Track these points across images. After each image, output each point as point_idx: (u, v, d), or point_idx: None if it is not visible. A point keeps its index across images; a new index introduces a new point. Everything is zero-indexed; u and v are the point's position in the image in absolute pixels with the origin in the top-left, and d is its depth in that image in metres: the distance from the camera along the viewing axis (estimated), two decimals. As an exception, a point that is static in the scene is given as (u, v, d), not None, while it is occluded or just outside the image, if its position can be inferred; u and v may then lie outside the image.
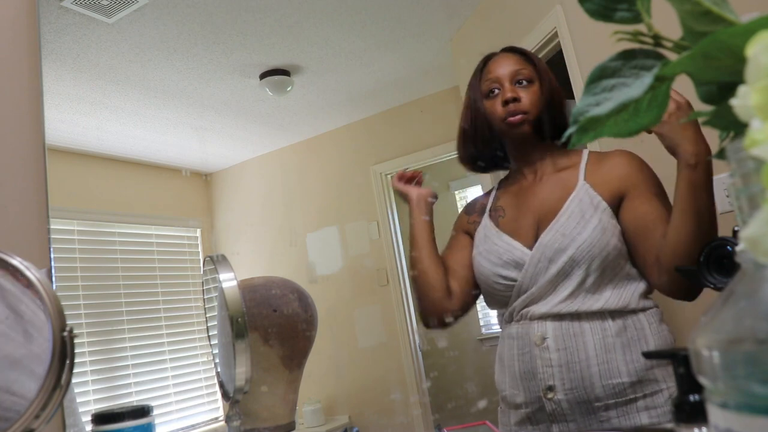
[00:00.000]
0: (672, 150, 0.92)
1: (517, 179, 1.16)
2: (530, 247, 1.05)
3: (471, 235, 1.17)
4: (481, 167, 1.21)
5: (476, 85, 1.15)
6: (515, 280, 1.05)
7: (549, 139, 1.12)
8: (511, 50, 1.16)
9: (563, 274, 1.01)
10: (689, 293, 0.96)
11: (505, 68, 1.11)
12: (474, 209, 1.20)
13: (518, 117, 1.08)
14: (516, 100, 1.08)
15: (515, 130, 1.09)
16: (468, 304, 1.16)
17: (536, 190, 1.11)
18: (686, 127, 0.89)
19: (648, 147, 0.99)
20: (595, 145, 1.25)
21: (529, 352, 1.03)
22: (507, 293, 1.07)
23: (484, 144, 1.15)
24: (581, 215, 1.02)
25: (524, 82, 1.10)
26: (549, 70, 1.14)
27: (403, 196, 1.21)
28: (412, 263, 1.17)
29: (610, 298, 1.00)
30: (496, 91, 1.10)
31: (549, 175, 1.11)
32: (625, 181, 1.03)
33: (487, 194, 1.21)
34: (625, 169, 1.05)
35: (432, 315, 1.15)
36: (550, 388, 1.00)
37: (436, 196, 1.20)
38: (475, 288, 1.14)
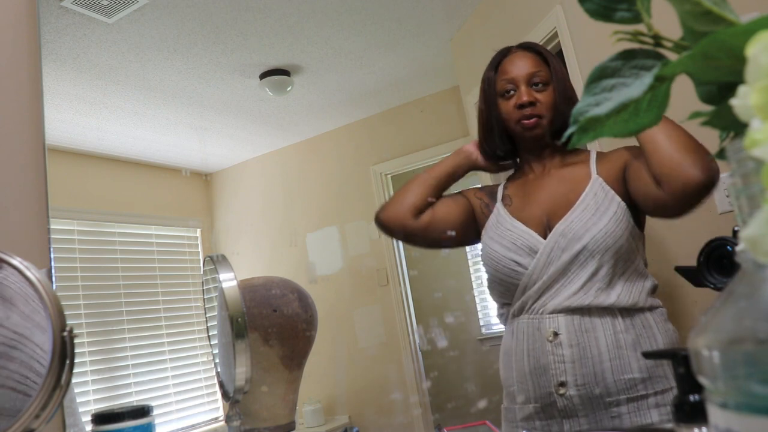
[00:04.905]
0: None
1: (524, 172, 1.17)
2: (542, 236, 1.06)
3: (470, 205, 1.19)
4: (501, 163, 1.21)
5: (492, 83, 1.14)
6: (527, 268, 1.05)
7: (558, 139, 1.12)
8: (529, 48, 1.14)
9: (576, 264, 1.01)
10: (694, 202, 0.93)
11: (521, 69, 1.10)
12: (483, 190, 1.21)
13: (533, 120, 1.08)
14: (532, 104, 1.08)
15: (530, 133, 1.10)
16: (429, 236, 1.17)
17: (544, 182, 1.12)
18: None
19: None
20: (599, 145, 1.25)
21: (540, 347, 1.03)
22: (515, 280, 1.06)
23: (501, 141, 1.15)
24: (596, 207, 1.03)
25: (540, 85, 1.09)
26: (562, 69, 1.13)
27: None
28: (413, 178, 1.19)
29: (621, 294, 1.01)
30: (512, 92, 1.10)
31: (557, 169, 1.12)
32: (625, 158, 1.05)
33: (496, 185, 1.22)
34: (625, 152, 1.07)
35: (388, 220, 1.19)
36: (562, 384, 1.00)
37: (478, 167, 1.20)
38: (443, 232, 1.16)
